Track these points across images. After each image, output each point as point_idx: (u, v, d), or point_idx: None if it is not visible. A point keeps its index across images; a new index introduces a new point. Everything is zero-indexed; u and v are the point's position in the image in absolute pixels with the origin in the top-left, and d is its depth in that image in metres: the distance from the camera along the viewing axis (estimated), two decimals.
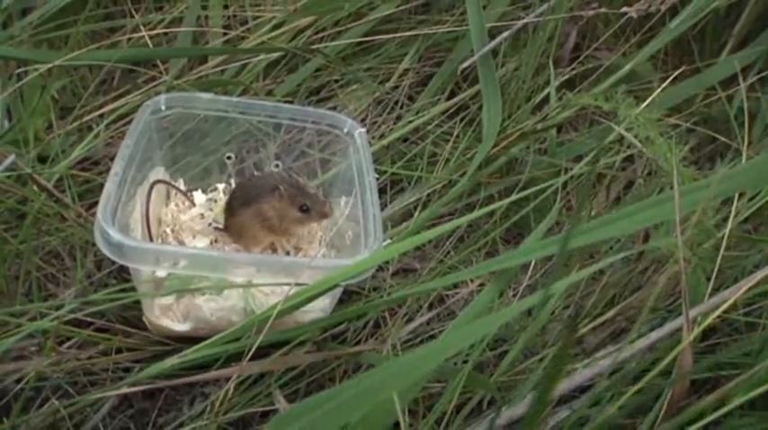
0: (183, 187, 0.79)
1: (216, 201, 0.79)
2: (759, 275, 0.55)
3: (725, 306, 0.49)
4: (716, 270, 0.57)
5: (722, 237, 0.60)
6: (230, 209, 0.72)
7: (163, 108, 0.73)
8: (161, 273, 0.64)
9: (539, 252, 0.55)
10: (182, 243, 0.75)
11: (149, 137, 0.71)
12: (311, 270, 0.58)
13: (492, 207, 0.57)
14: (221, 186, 0.80)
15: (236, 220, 0.71)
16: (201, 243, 0.75)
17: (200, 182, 0.80)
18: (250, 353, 0.53)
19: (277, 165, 0.79)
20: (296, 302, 0.55)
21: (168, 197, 0.79)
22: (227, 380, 0.59)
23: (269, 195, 0.69)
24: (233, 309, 0.65)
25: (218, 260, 0.59)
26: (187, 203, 0.79)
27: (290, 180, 0.70)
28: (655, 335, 0.52)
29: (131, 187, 0.66)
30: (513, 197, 0.61)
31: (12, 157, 0.61)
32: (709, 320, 0.49)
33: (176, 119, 0.74)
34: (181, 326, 0.66)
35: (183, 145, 0.77)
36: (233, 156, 0.79)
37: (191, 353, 0.56)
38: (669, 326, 0.52)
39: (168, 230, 0.76)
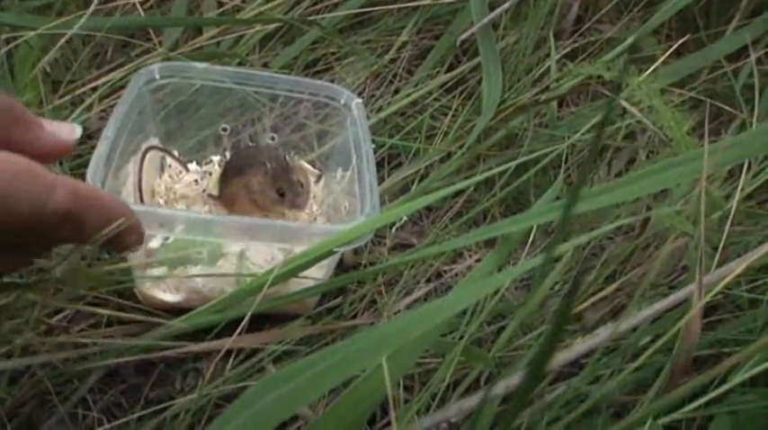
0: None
1: (210, 173, 0.78)
2: (766, 248, 0.53)
3: (732, 275, 0.48)
4: (723, 241, 0.56)
5: (728, 210, 0.59)
6: (224, 178, 0.71)
7: (157, 77, 0.71)
8: (153, 243, 0.63)
9: (539, 218, 0.54)
10: None
11: (142, 107, 0.70)
12: (306, 236, 0.57)
13: (492, 172, 0.55)
14: (216, 158, 0.79)
15: (229, 190, 0.70)
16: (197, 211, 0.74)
17: (195, 154, 0.79)
18: (244, 324, 0.52)
19: (272, 138, 0.78)
20: (291, 268, 0.54)
21: (162, 169, 0.77)
22: (220, 353, 0.58)
23: (257, 169, 0.68)
24: (226, 279, 0.64)
25: (213, 223, 0.57)
26: (181, 174, 0.78)
27: (280, 160, 0.69)
28: (659, 305, 0.50)
29: (124, 155, 0.65)
30: (514, 163, 0.60)
31: None
32: (718, 288, 0.48)
33: (171, 89, 0.72)
34: (173, 297, 0.65)
35: (177, 116, 0.75)
36: (228, 128, 0.78)
37: (180, 322, 0.54)
38: (675, 297, 0.51)
39: (161, 201, 0.75)
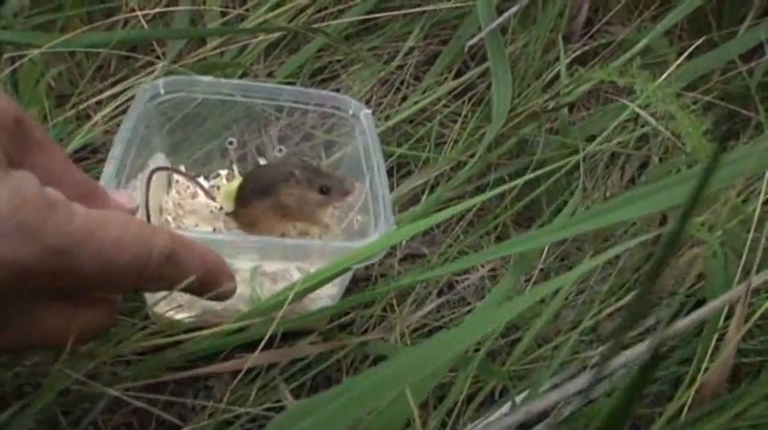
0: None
1: (218, 187, 0.77)
2: None
3: None
4: (746, 252, 0.54)
5: (751, 216, 0.57)
6: (243, 199, 0.69)
7: (162, 92, 0.70)
8: None
9: (552, 236, 0.53)
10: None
11: (148, 122, 0.69)
12: (319, 254, 0.56)
13: (503, 188, 0.54)
14: (224, 173, 0.78)
15: (250, 211, 0.68)
16: (204, 229, 0.73)
17: (202, 168, 0.78)
18: (260, 346, 0.51)
19: (280, 150, 0.77)
20: (306, 288, 0.53)
21: (169, 185, 0.76)
22: (236, 374, 0.57)
23: (284, 183, 0.67)
24: (240, 296, 0.63)
25: (224, 244, 0.56)
26: (189, 190, 0.77)
27: (303, 164, 0.68)
28: (689, 319, 0.49)
29: (131, 173, 0.64)
30: (525, 178, 0.59)
31: None
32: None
33: (176, 104, 0.72)
34: (185, 316, 0.64)
35: (183, 130, 0.74)
36: (235, 141, 0.77)
37: (191, 345, 0.54)
38: (708, 308, 0.49)
39: (170, 218, 0.74)
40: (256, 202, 0.68)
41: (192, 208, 0.76)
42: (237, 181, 0.75)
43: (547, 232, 0.50)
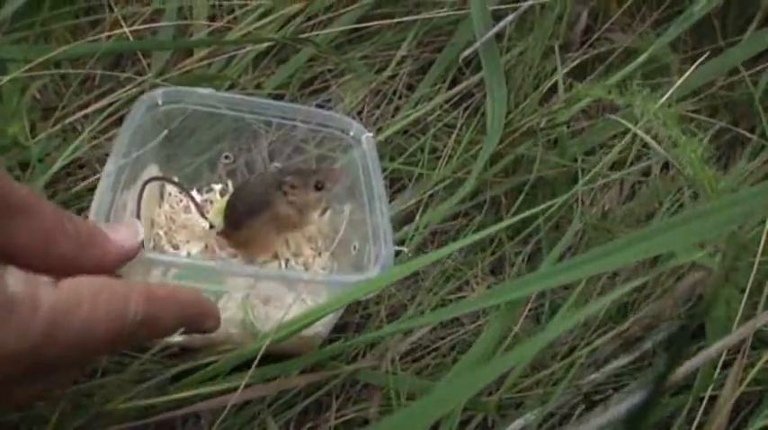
0: (176, 187, 0.74)
1: (211, 202, 0.75)
2: None
3: None
4: (749, 283, 0.52)
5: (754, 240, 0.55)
6: (234, 221, 0.67)
7: (159, 103, 0.68)
8: (153, 279, 0.61)
9: (549, 281, 0.51)
10: (175, 246, 0.71)
11: (144, 134, 0.66)
12: (313, 284, 0.55)
13: (501, 225, 0.52)
14: (218, 187, 0.76)
15: (243, 232, 0.67)
16: (196, 248, 0.71)
17: (196, 181, 0.76)
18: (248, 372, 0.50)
19: (275, 167, 0.75)
20: (302, 324, 0.52)
21: (162, 197, 0.74)
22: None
23: (277, 194, 0.66)
24: (231, 320, 0.62)
25: (215, 271, 0.56)
26: (182, 204, 0.75)
27: (288, 169, 0.68)
28: (689, 365, 0.47)
29: (125, 187, 0.62)
30: (523, 215, 0.56)
31: None
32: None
33: (172, 114, 0.70)
34: (174, 338, 0.62)
35: (177, 142, 0.72)
36: (231, 155, 0.75)
37: (174, 391, 0.53)
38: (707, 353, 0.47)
39: (161, 233, 0.72)
40: (250, 222, 0.66)
41: (185, 223, 0.74)
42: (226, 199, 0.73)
43: (541, 277, 0.48)
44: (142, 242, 0.45)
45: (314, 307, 0.52)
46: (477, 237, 0.50)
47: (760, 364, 0.45)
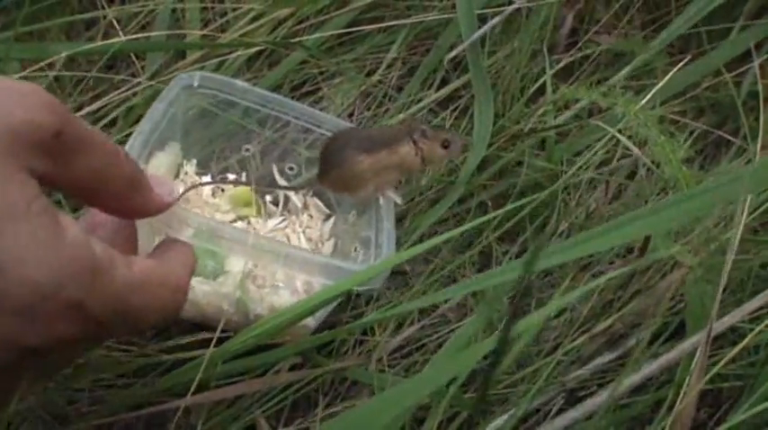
0: (194, 169, 0.75)
1: (223, 190, 0.75)
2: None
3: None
4: (724, 279, 0.53)
5: (730, 240, 0.56)
6: (339, 158, 0.67)
7: (195, 84, 0.69)
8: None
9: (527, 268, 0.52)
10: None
11: (174, 111, 0.68)
12: (316, 268, 0.56)
13: (487, 217, 0.54)
14: (232, 176, 0.76)
15: (350, 168, 0.67)
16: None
17: (212, 168, 0.76)
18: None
19: (291, 168, 0.76)
20: (295, 313, 0.53)
21: (177, 174, 0.74)
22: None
23: (405, 138, 0.67)
24: (226, 296, 0.63)
25: (223, 233, 0.55)
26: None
27: (419, 121, 0.70)
28: (662, 360, 0.48)
29: (153, 153, 0.64)
30: (507, 207, 0.58)
31: None
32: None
33: (204, 99, 0.71)
34: None
35: (200, 126, 0.73)
36: (251, 148, 0.76)
37: (165, 381, 0.54)
38: (679, 350, 0.49)
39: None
40: (361, 158, 0.66)
41: (197, 203, 0.74)
42: (242, 188, 0.74)
43: (515, 267, 0.50)
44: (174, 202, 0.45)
45: (307, 297, 0.53)
46: (462, 229, 0.52)
47: (723, 362, 0.47)
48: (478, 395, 0.40)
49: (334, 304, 0.63)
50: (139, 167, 0.41)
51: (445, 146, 0.67)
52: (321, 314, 0.64)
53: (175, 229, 0.53)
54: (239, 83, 0.71)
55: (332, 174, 0.68)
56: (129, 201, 0.40)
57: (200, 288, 0.62)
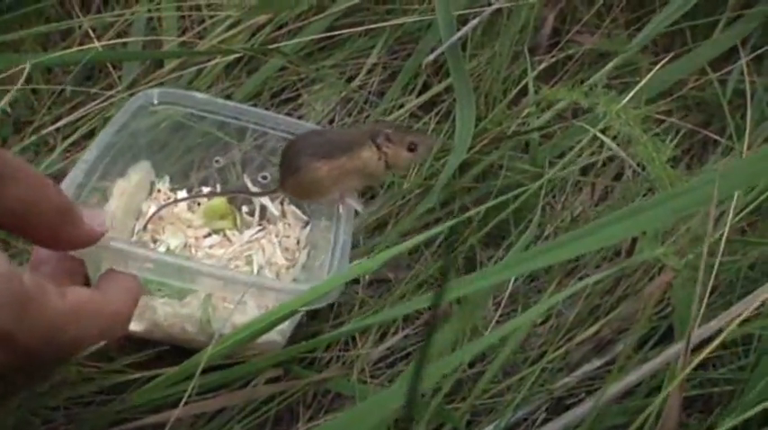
0: (167, 185, 0.74)
1: (199, 203, 0.74)
2: (761, 297, 0.50)
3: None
4: (711, 282, 0.52)
5: (716, 242, 0.55)
6: (297, 164, 0.65)
7: (155, 102, 0.68)
8: None
9: (508, 272, 0.51)
10: (156, 241, 0.70)
11: (134, 129, 0.67)
12: (278, 293, 0.55)
13: (465, 215, 0.53)
14: (206, 189, 0.75)
15: (307, 175, 0.65)
16: (175, 242, 0.71)
17: (184, 182, 0.75)
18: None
19: (265, 177, 0.75)
20: (255, 328, 0.52)
21: (151, 192, 0.74)
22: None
23: (368, 142, 0.64)
24: (189, 317, 0.62)
25: (185, 269, 0.54)
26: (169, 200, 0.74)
27: (388, 125, 0.66)
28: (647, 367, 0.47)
29: (105, 176, 0.63)
30: (488, 204, 0.57)
31: None
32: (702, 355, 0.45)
33: (166, 115, 0.70)
34: (134, 326, 0.62)
35: (168, 142, 0.73)
36: (221, 160, 0.74)
37: (138, 397, 0.53)
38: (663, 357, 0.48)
39: (147, 226, 0.71)
40: (318, 164, 0.64)
41: (170, 219, 0.73)
42: (218, 200, 0.73)
43: (501, 268, 0.48)
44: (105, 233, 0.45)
45: (265, 312, 0.52)
46: (439, 229, 0.51)
47: (694, 363, 0.45)
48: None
49: (296, 320, 0.62)
50: (68, 199, 0.41)
51: (411, 149, 0.64)
52: (286, 328, 0.62)
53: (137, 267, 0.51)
54: (199, 95, 0.69)
55: (290, 180, 0.66)
56: (59, 232, 0.40)
57: (162, 309, 0.61)
